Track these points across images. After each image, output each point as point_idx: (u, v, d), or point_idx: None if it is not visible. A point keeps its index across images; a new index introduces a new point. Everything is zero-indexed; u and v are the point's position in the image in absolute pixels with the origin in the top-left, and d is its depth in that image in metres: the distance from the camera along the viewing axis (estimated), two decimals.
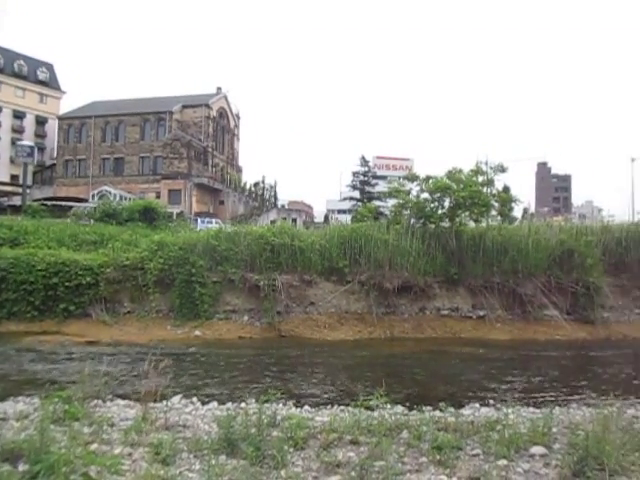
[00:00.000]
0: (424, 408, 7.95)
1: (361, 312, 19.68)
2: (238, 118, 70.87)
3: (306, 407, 8.35)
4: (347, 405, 7.88)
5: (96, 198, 49.25)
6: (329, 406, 8.50)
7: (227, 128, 67.13)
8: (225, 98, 66.21)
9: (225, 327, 18.62)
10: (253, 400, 7.89)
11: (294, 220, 50.99)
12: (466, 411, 8.00)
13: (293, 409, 8.11)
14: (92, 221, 32.52)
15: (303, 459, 5.32)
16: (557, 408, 8.53)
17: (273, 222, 34.39)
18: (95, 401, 7.56)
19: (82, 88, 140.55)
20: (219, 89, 65.72)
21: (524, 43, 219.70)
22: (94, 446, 5.45)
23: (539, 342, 18.03)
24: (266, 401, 6.72)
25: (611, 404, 8.03)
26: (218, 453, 5.29)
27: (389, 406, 7.39)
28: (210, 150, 60.82)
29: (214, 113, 62.38)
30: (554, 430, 6.47)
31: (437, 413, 7.42)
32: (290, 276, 19.79)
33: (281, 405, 7.90)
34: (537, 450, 5.64)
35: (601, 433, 5.60)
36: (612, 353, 16.79)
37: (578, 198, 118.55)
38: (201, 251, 19.85)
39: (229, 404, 8.25)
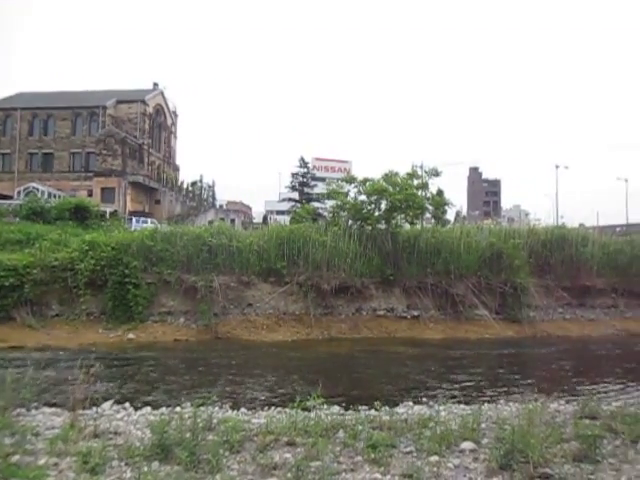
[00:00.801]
0: (360, 407, 8.07)
1: (299, 313, 19.73)
2: (175, 115, 69.24)
3: (243, 409, 8.27)
4: (284, 406, 7.88)
5: (22, 195, 46.64)
6: (266, 408, 8.46)
7: (164, 125, 65.41)
8: (162, 94, 64.49)
9: (160, 330, 18.15)
10: (189, 404, 7.74)
11: (232, 221, 50.38)
12: (400, 409, 8.18)
13: (229, 412, 8.02)
14: (17, 219, 30.81)
15: (239, 462, 5.27)
16: (486, 404, 8.88)
17: (211, 222, 33.87)
18: (18, 410, 7.16)
19: (6, 79, 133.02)
20: (156, 85, 63.92)
21: (459, 51, 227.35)
22: (16, 458, 5.14)
23: (470, 341, 18.69)
24: (201, 404, 6.60)
25: (536, 399, 8.46)
26: (151, 459, 5.14)
27: (326, 406, 7.43)
28: (146, 147, 59.05)
29: (150, 109, 60.65)
30: (483, 426, 6.71)
31: (372, 412, 7.55)
32: (227, 277, 19.58)
33: (217, 408, 7.79)
34: (467, 445, 5.83)
35: (526, 427, 5.88)
36: (537, 351, 17.67)
37: (507, 202, 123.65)
38: (135, 251, 19.26)
39: (163, 409, 8.05)
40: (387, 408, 7.73)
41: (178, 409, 7.66)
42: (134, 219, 40.72)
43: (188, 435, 5.51)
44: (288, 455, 5.44)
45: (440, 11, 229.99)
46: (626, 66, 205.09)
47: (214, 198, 70.53)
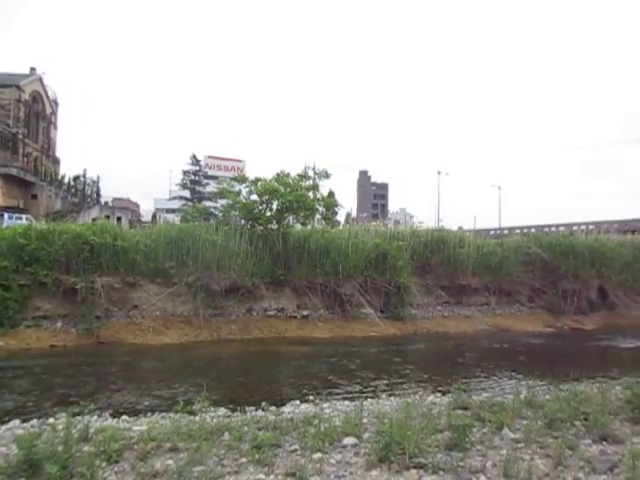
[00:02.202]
0: (247, 408, 8.05)
1: (187, 315, 19.24)
2: (56, 104, 64.51)
3: (124, 417, 7.92)
4: (169, 411, 7.67)
5: None
6: (149, 414, 8.18)
7: (42, 114, 60.65)
8: (40, 81, 59.74)
9: (34, 335, 16.80)
10: (63, 414, 7.27)
11: (119, 219, 47.91)
12: (287, 408, 8.29)
13: (109, 420, 7.65)
14: None
15: (117, 473, 5.05)
16: (369, 400, 9.24)
17: (95, 220, 31.98)
18: None
19: None
20: (33, 70, 59.07)
21: (349, 57, 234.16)
22: None
23: (356, 339, 19.32)
24: (77, 414, 6.24)
25: (415, 393, 8.94)
26: (16, 477, 4.76)
27: (213, 409, 7.35)
28: (21, 137, 54.39)
29: (26, 96, 55.95)
30: (365, 421, 6.94)
31: (259, 413, 7.57)
32: (111, 278, 18.61)
33: (95, 417, 7.40)
34: (349, 441, 6.04)
35: (404, 420, 6.21)
36: (418, 347, 18.68)
37: (394, 205, 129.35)
38: (6, 250, 17.67)
39: (34, 421, 7.50)
40: (274, 408, 7.79)
41: (51, 420, 7.18)
42: (6, 215, 37.45)
43: (60, 448, 5.19)
44: (170, 462, 5.31)
45: (327, 15, 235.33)
46: (507, 78, 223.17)
47: (99, 194, 66.60)
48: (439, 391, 10.20)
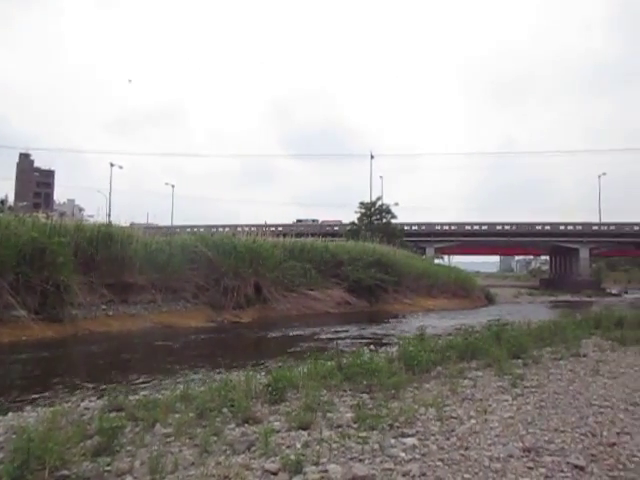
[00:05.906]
0: None
1: None
2: None
3: None
4: None
5: None
6: None
7: None
8: None
9: None
10: None
11: None
12: None
13: None
14: None
15: None
16: (10, 414, 8.23)
17: None
18: None
19: None
20: None
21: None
22: None
23: (3, 345, 16.99)
24: None
25: (67, 400, 8.35)
26: None
27: None
28: None
29: None
30: (1, 439, 6.25)
31: None
32: None
33: None
34: None
35: (46, 432, 5.70)
36: (78, 349, 17.62)
37: (63, 195, 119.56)
38: None
39: None
40: None
41: None
42: None
43: None
44: None
45: None
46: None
47: None
48: (95, 395, 9.72)
